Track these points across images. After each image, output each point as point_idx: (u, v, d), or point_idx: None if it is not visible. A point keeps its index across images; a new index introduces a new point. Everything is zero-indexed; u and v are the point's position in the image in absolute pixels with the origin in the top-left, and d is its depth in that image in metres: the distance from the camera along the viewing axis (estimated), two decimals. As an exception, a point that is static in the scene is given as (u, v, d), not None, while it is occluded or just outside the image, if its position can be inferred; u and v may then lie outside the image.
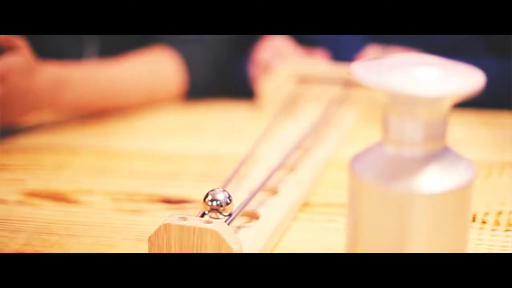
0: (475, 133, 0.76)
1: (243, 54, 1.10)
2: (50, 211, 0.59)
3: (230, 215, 0.49)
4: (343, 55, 0.92)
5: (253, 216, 0.54)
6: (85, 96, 0.80)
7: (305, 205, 0.59)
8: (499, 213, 0.57)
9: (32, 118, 0.80)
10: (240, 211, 0.50)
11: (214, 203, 0.48)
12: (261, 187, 0.55)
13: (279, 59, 0.89)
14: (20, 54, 0.73)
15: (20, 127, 0.80)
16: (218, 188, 0.49)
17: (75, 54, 0.99)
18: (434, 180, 0.34)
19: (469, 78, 0.33)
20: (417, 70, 0.34)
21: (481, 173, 0.64)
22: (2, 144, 0.76)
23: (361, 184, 0.35)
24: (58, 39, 1.00)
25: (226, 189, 0.49)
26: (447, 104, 0.34)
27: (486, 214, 0.57)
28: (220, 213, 0.48)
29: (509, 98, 0.92)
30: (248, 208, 0.54)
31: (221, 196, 0.48)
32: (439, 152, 0.35)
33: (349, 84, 0.80)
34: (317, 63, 0.89)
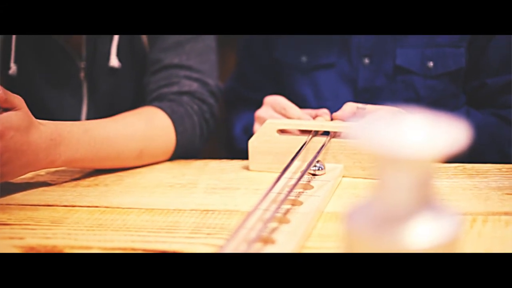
0: (459, 184, 0.79)
1: (239, 112, 1.12)
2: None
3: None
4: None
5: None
6: (80, 152, 0.81)
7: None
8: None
9: (28, 175, 0.81)
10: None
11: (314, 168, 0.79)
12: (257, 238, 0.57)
13: (280, 115, 0.89)
14: (17, 111, 0.73)
15: (16, 184, 0.82)
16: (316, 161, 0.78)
17: (72, 115, 1.01)
18: (424, 235, 0.36)
19: (458, 134, 0.35)
20: (410, 130, 0.36)
21: (466, 222, 0.67)
22: (-2, 201, 0.77)
23: (355, 239, 0.37)
24: (57, 101, 1.03)
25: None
26: (437, 160, 0.36)
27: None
28: (316, 174, 0.78)
29: (488, 151, 0.95)
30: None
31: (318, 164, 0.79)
32: (428, 206, 0.37)
33: (333, 138, 0.82)
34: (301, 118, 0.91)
